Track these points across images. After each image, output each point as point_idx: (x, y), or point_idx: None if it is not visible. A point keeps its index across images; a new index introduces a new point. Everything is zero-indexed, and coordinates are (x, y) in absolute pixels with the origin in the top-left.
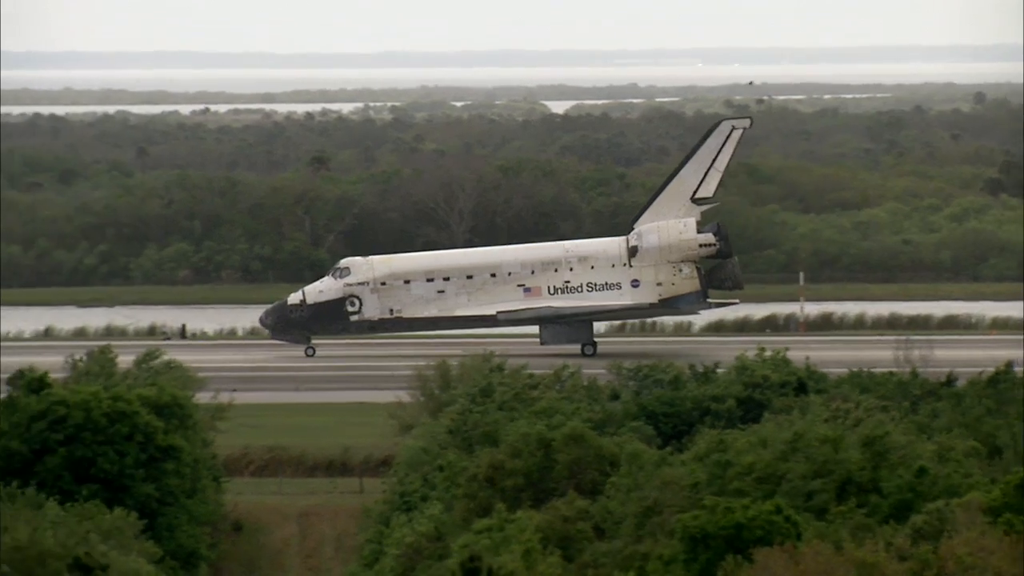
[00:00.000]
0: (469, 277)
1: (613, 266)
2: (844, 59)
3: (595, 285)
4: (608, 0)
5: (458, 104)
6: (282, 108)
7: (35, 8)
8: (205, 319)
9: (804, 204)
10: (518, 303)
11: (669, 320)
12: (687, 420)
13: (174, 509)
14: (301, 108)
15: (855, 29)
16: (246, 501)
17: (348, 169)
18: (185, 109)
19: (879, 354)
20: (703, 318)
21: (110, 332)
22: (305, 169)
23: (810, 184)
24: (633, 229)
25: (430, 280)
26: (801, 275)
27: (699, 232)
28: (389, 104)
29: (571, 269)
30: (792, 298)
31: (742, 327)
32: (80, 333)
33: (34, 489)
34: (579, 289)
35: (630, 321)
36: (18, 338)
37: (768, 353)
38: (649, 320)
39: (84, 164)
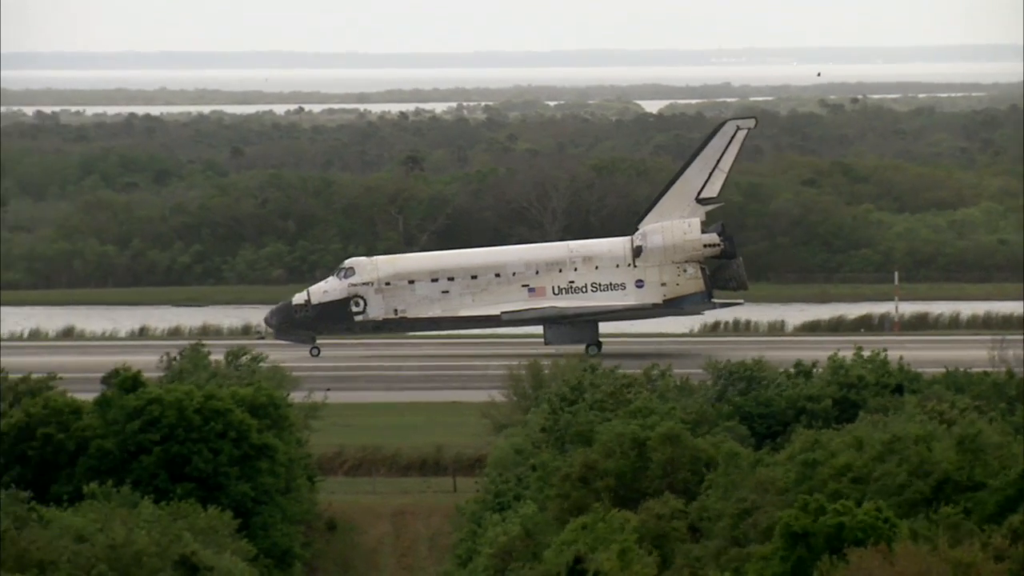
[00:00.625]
0: (473, 277)
1: (617, 266)
2: (939, 58)
3: (599, 285)
4: None
5: (551, 104)
6: (376, 108)
7: (127, 8)
8: None
9: (899, 203)
10: (522, 303)
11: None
12: (782, 420)
13: (269, 508)
14: (395, 108)
15: (949, 28)
16: (340, 500)
17: (441, 169)
18: (280, 109)
19: (974, 354)
20: (794, 317)
21: (205, 331)
22: (399, 169)
23: (905, 183)
24: (638, 229)
25: (434, 280)
26: (896, 274)
27: (704, 232)
28: (483, 104)
29: (575, 269)
30: (887, 297)
31: (836, 327)
32: (175, 332)
33: (129, 488)
34: (583, 289)
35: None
36: (113, 337)
37: (866, 353)
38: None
39: (179, 164)
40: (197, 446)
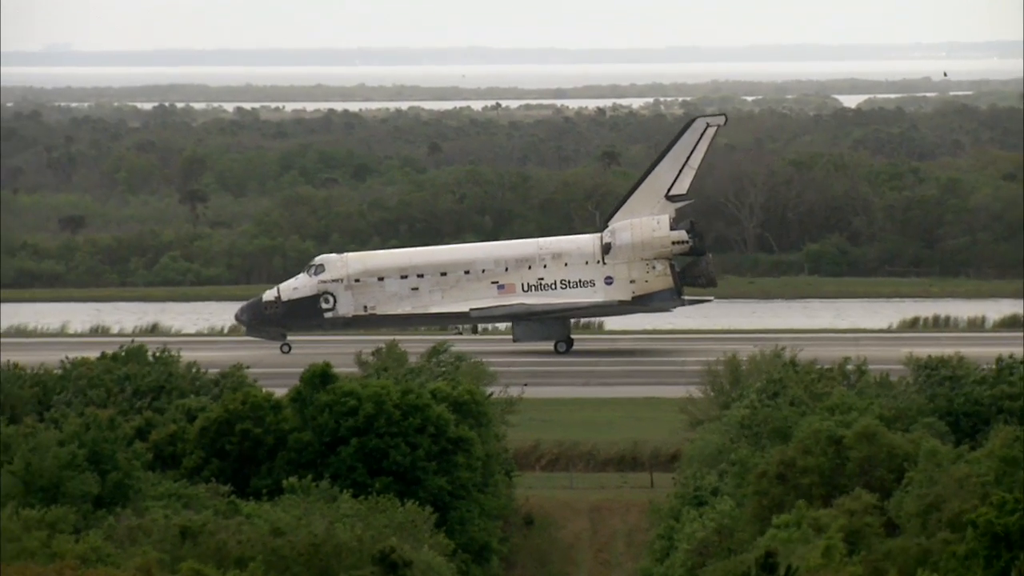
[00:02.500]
0: (443, 274)
1: (587, 263)
2: None
3: (568, 282)
4: None
5: (749, 99)
6: (573, 103)
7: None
8: None
9: None
10: (491, 300)
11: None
12: (983, 417)
13: (466, 503)
14: (592, 103)
15: None
16: (537, 495)
17: (638, 164)
18: (477, 105)
19: None
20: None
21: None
22: (595, 164)
23: None
24: (607, 226)
25: (404, 277)
26: None
27: (673, 229)
28: (680, 99)
29: (545, 266)
30: None
31: (1011, 323)
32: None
33: (327, 482)
34: (552, 286)
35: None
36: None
37: None
38: None
39: (377, 160)
40: (395, 440)
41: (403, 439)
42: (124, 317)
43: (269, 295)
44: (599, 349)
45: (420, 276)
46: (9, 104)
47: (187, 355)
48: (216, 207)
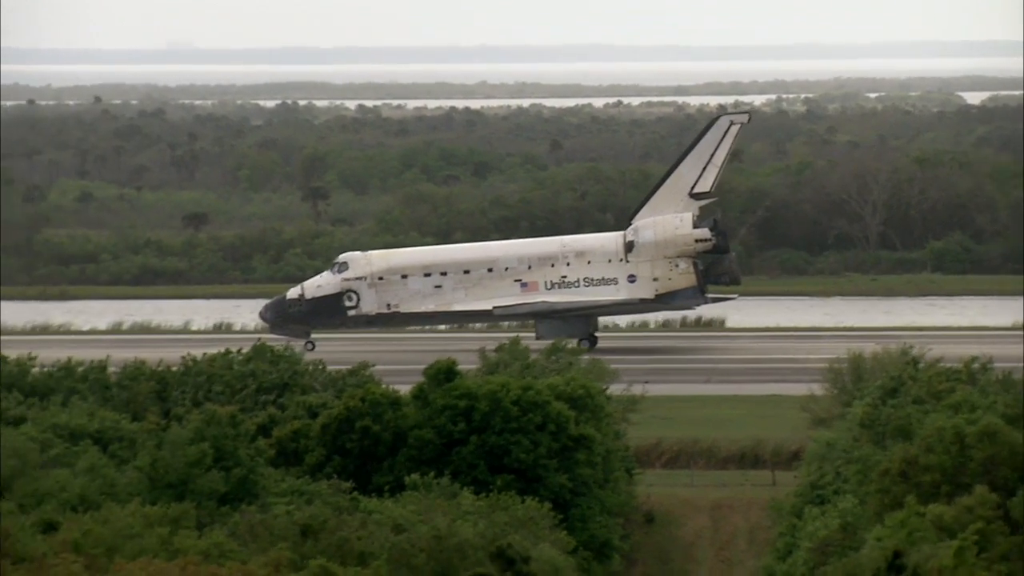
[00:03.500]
0: (466, 272)
1: (610, 261)
2: None
3: (592, 280)
4: None
5: (872, 95)
6: (694, 101)
7: (449, 4)
8: None
9: None
10: (514, 298)
11: None
12: None
13: (587, 500)
14: (713, 100)
15: None
16: (658, 492)
17: (760, 161)
18: (598, 102)
19: None
20: None
21: (524, 324)
22: None
23: None
24: (631, 224)
25: (427, 275)
26: None
27: (696, 228)
28: (802, 96)
29: (568, 264)
30: None
31: None
32: (493, 325)
33: (448, 479)
34: (575, 284)
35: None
36: (433, 329)
37: None
38: None
39: (498, 157)
40: (515, 437)
41: (524, 436)
42: (246, 314)
43: (293, 293)
44: (717, 347)
45: (443, 274)
46: (133, 101)
47: (309, 353)
48: (337, 204)
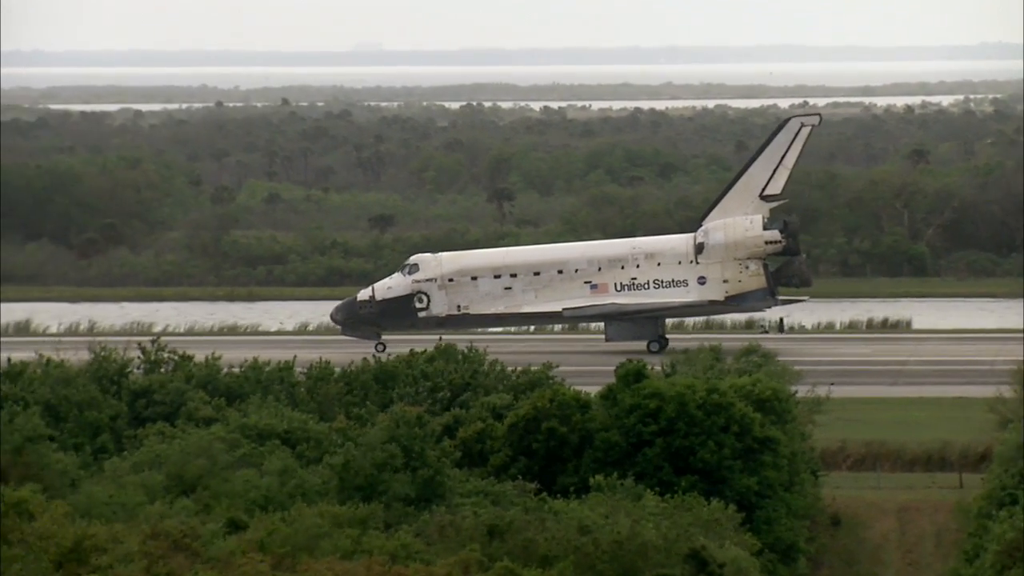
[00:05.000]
0: (536, 274)
1: (680, 263)
2: None
3: (661, 282)
4: None
5: None
6: (881, 101)
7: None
8: (805, 312)
9: None
10: (584, 300)
11: None
12: None
13: (772, 502)
14: (900, 101)
15: None
16: (844, 495)
17: (947, 162)
18: (783, 103)
19: None
20: None
21: (708, 326)
22: (904, 162)
23: None
24: (701, 226)
25: (497, 277)
26: None
27: (766, 229)
28: (990, 96)
29: (638, 266)
30: None
31: None
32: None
33: (632, 480)
34: (645, 286)
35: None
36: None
37: None
38: None
39: (683, 158)
40: (700, 439)
41: (709, 438)
42: None
43: (363, 294)
44: (904, 350)
45: (513, 276)
46: (320, 103)
47: (493, 352)
48: (523, 205)
